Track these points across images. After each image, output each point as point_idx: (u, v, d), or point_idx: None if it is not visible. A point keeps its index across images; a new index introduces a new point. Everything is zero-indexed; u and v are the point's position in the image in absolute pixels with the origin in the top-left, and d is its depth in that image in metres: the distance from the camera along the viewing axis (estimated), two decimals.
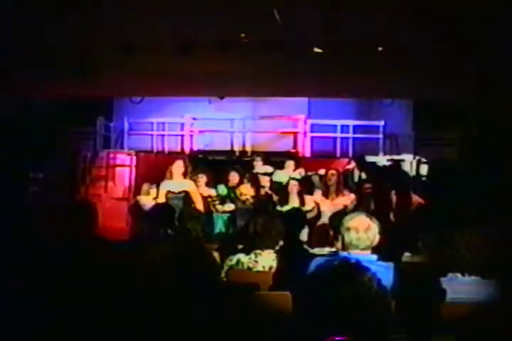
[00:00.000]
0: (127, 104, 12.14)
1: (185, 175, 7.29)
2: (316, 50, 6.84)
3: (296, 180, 7.49)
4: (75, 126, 10.91)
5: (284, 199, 7.07)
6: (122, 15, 5.89)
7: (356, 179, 9.22)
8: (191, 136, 12.38)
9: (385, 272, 2.83)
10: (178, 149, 12.30)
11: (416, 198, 7.36)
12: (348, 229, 3.15)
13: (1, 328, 2.67)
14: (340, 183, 6.97)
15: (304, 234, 6.19)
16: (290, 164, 9.50)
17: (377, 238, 3.18)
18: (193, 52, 6.83)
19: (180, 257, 3.39)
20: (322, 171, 8.42)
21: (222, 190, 7.72)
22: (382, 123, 11.81)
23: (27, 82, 7.95)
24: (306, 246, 5.21)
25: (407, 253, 4.47)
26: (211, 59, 7.08)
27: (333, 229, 3.84)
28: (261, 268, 3.94)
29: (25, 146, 9.27)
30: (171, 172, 7.20)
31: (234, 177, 7.81)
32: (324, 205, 6.72)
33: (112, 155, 11.31)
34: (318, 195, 6.98)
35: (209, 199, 7.53)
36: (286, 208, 6.73)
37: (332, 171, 7.16)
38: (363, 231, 3.13)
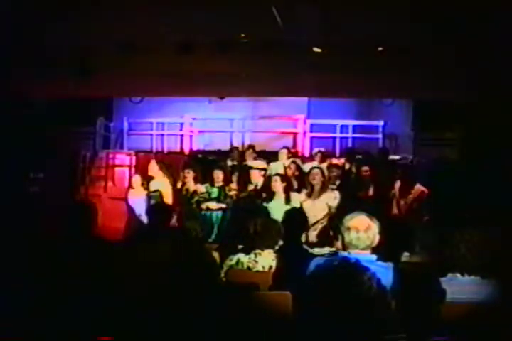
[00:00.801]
0: (127, 104, 12.16)
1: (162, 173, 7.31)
2: (316, 50, 6.84)
3: (279, 175, 7.03)
4: (75, 126, 10.91)
5: (269, 196, 6.71)
6: (122, 15, 5.89)
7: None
8: (191, 136, 12.39)
9: (384, 272, 2.83)
10: (178, 149, 12.32)
11: (418, 186, 7.22)
12: (349, 228, 3.14)
13: (1, 327, 2.67)
14: (324, 181, 6.68)
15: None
16: (283, 153, 9.34)
17: (377, 238, 3.17)
18: (193, 52, 6.82)
19: (180, 257, 3.39)
20: (308, 167, 8.15)
21: (209, 189, 7.60)
22: (381, 123, 11.83)
23: (27, 82, 7.95)
24: (305, 246, 5.21)
25: (406, 253, 4.47)
26: (211, 59, 7.08)
27: (333, 229, 3.85)
28: (261, 268, 3.94)
29: (25, 146, 9.27)
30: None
31: (218, 175, 7.69)
32: (306, 204, 6.48)
33: (111, 156, 11.31)
34: (303, 193, 6.70)
35: (195, 196, 7.43)
36: (270, 205, 6.52)
37: (316, 170, 6.85)
38: (363, 231, 3.12)
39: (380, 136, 11.84)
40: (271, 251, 4.02)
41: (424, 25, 6.07)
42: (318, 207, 6.35)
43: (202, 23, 6.09)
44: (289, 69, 7.50)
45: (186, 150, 12.20)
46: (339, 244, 3.29)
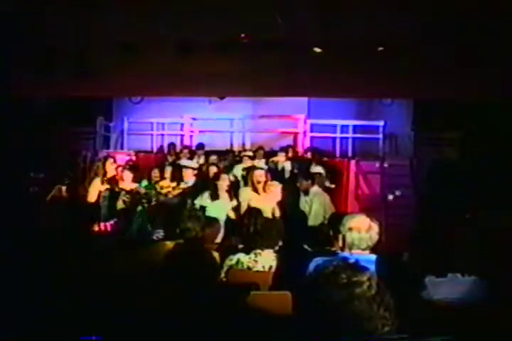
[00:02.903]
0: (127, 104, 12.15)
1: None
2: (316, 50, 6.84)
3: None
4: (75, 126, 10.92)
5: (215, 194, 6.57)
6: (122, 15, 5.90)
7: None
8: (191, 136, 12.38)
9: (383, 271, 2.83)
10: (179, 149, 12.29)
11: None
12: (351, 229, 3.14)
13: (1, 327, 2.67)
14: (267, 179, 6.55)
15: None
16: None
17: (376, 238, 3.18)
18: (193, 52, 6.84)
19: (180, 257, 3.40)
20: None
21: (145, 186, 7.66)
22: (382, 123, 11.81)
23: (27, 82, 7.96)
24: (305, 246, 5.20)
25: (405, 253, 4.47)
26: (211, 59, 7.09)
27: (332, 229, 3.85)
28: (261, 268, 3.94)
29: (25, 146, 9.28)
30: (104, 170, 7.22)
31: (156, 173, 7.84)
32: (254, 202, 6.19)
33: (111, 156, 11.28)
34: (248, 190, 6.54)
35: (137, 196, 7.44)
36: (216, 203, 6.41)
37: (258, 171, 6.66)
38: (364, 232, 3.13)
39: (380, 136, 11.82)
40: (271, 250, 4.02)
41: (424, 25, 6.08)
42: (265, 211, 5.97)
43: (202, 23, 6.10)
44: (289, 69, 7.51)
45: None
46: (339, 244, 3.28)
